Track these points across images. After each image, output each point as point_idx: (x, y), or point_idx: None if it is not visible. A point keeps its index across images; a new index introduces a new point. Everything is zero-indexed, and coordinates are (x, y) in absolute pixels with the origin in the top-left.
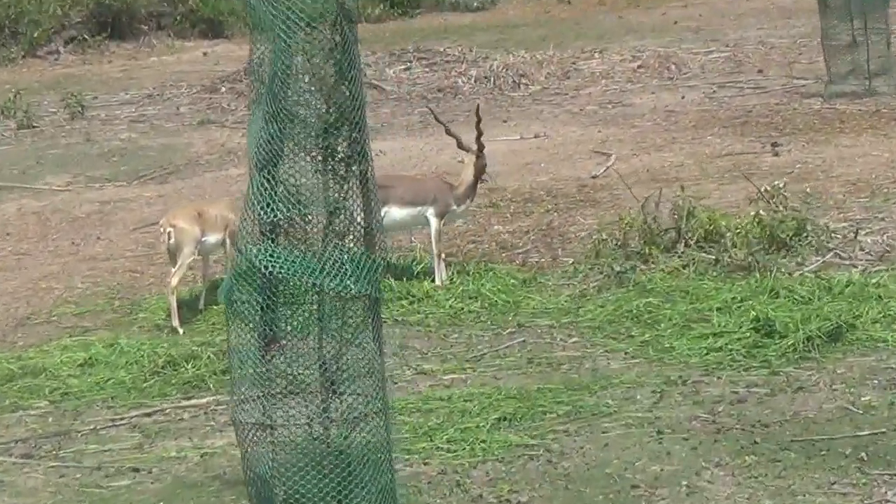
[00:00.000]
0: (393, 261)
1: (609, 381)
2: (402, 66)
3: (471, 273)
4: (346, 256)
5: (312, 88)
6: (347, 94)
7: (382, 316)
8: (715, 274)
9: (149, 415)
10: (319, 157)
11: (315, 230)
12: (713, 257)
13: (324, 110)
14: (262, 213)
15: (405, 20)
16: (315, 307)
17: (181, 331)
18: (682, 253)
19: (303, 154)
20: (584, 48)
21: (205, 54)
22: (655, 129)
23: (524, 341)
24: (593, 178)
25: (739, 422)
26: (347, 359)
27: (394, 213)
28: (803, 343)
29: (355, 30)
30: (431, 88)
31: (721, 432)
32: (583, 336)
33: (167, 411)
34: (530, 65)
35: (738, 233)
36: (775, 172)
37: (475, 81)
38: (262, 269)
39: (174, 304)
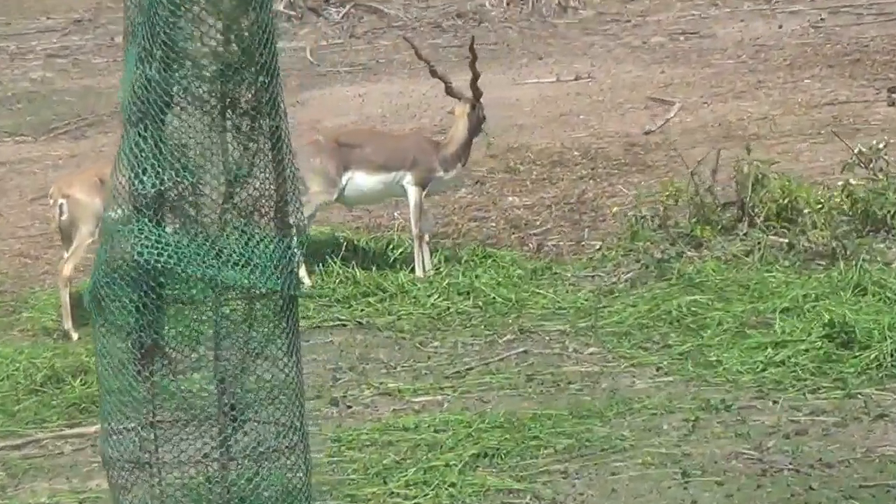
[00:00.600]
0: (362, 243)
1: (629, 406)
2: None
3: (464, 261)
4: (252, 241)
5: (205, 15)
6: (253, 23)
7: (314, 317)
8: (787, 263)
9: (18, 447)
10: (216, 109)
11: (210, 205)
12: (786, 241)
13: (221, 46)
14: (137, 182)
15: None
16: (210, 308)
17: (75, 336)
18: (746, 235)
19: (193, 105)
20: None
21: None
22: (738, 69)
23: (525, 352)
24: (646, 134)
25: (794, 460)
26: (254, 377)
27: (360, 180)
28: (891, 357)
29: None
30: (449, 13)
31: (767, 475)
32: (603, 346)
33: (43, 443)
34: None
35: (821, 209)
36: (889, 129)
37: (507, 3)
38: (137, 258)
39: (66, 301)
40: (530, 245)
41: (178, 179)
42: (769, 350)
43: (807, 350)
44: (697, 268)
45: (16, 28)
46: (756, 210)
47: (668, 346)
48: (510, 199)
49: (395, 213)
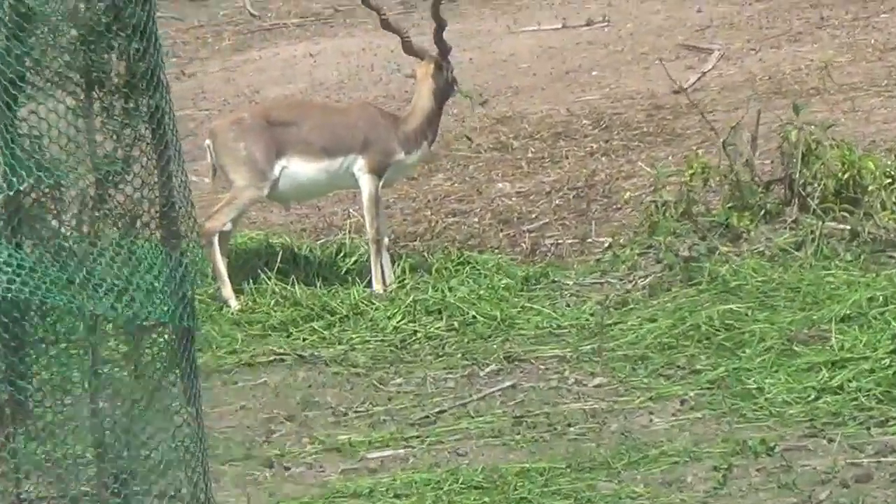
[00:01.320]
0: (304, 250)
1: (644, 454)
2: None
3: (435, 269)
4: (132, 258)
5: None
6: None
7: (243, 351)
8: (849, 258)
9: None
10: (78, 87)
11: (76, 213)
12: (848, 228)
13: (83, 5)
14: None
15: None
16: (84, 349)
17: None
18: (795, 222)
19: (48, 82)
20: None
21: None
22: (796, 3)
23: (513, 387)
24: (676, 93)
25: None
26: (142, 435)
27: (297, 169)
28: None
29: None
30: None
31: None
32: (613, 375)
33: None
34: None
35: (893, 185)
36: None
37: None
38: None
39: None
40: (523, 245)
41: (32, 181)
42: (824, 372)
43: (872, 371)
44: (734, 267)
45: None
46: (809, 189)
47: (695, 371)
48: (499, 185)
49: (350, 210)
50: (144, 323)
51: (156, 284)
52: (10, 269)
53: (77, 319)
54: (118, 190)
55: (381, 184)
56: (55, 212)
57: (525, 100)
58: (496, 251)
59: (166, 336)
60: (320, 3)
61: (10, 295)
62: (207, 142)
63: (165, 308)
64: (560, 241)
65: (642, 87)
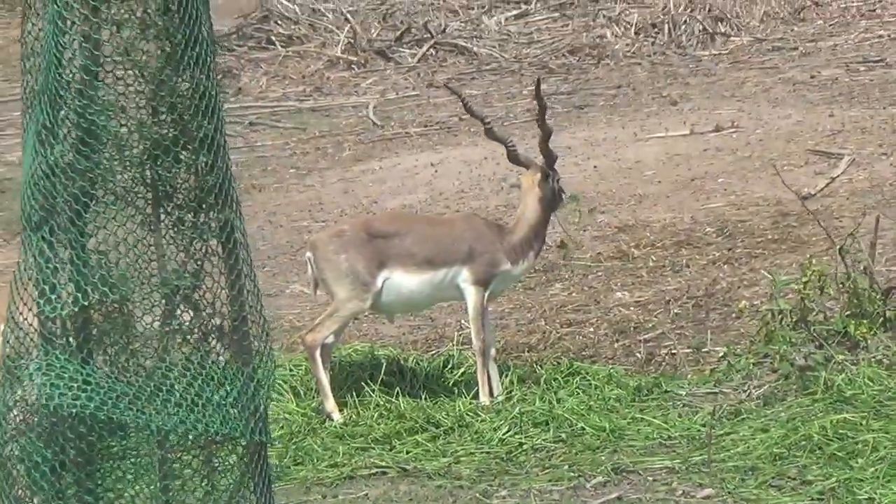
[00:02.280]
0: (411, 362)
1: None
2: (514, 12)
3: (543, 380)
4: (203, 373)
5: (128, 82)
6: (191, 89)
7: (344, 465)
8: None
9: None
10: (146, 202)
11: (145, 329)
12: None
13: (148, 118)
14: (44, 303)
15: None
16: (155, 464)
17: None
18: None
19: (115, 197)
20: None
21: None
22: None
23: (619, 498)
24: (804, 199)
25: None
26: None
27: (400, 281)
28: None
29: None
30: (559, 49)
31: None
32: (722, 486)
33: None
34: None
35: None
36: None
37: (636, 34)
38: (48, 402)
39: None
40: (638, 355)
41: (100, 297)
42: None
43: None
44: (849, 376)
45: None
46: None
47: (806, 482)
48: (618, 294)
49: (463, 321)
50: (216, 438)
51: (227, 399)
52: (76, 384)
53: (147, 435)
54: (187, 305)
55: (486, 295)
56: (123, 327)
57: (648, 207)
58: (610, 361)
59: (239, 451)
60: (444, 111)
61: (75, 410)
62: (308, 254)
63: (237, 423)
64: (675, 351)
65: (769, 193)
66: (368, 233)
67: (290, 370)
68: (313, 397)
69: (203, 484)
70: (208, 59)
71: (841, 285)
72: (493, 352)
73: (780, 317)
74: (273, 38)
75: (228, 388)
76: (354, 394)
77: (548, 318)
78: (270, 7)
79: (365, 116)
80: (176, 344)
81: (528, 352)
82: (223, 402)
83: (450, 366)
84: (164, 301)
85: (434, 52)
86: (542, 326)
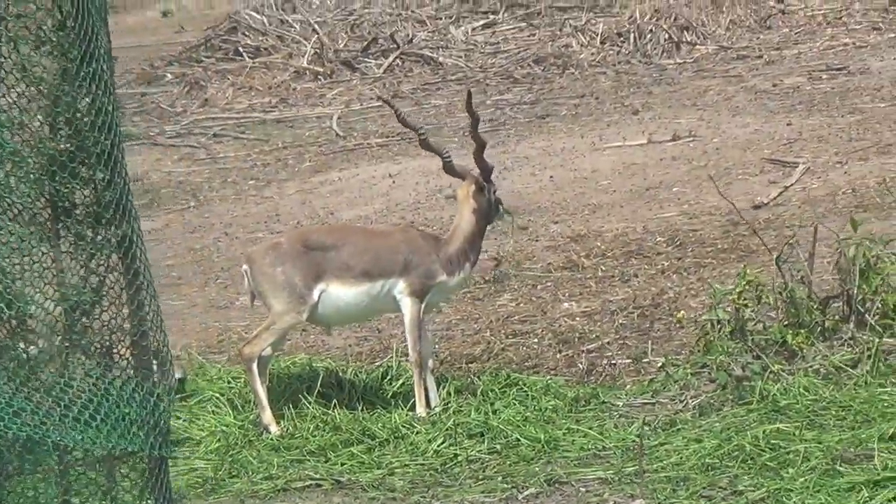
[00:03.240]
0: (349, 374)
1: None
2: (481, 22)
3: (480, 392)
4: (103, 388)
5: (26, 97)
6: (88, 104)
7: (279, 477)
8: None
9: None
10: (44, 216)
11: (45, 344)
12: None
13: (47, 132)
14: None
15: None
16: (56, 481)
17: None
18: (853, 339)
19: (15, 210)
20: None
21: (165, 14)
22: (890, 114)
23: None
24: (756, 208)
25: None
26: None
27: (336, 293)
28: None
29: None
30: (524, 59)
31: None
32: (653, 496)
33: None
34: (700, 7)
35: None
36: None
37: (602, 43)
38: None
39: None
40: (580, 365)
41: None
42: (864, 492)
43: None
44: (785, 386)
45: None
46: (867, 305)
47: (737, 492)
48: (565, 305)
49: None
50: (116, 453)
51: (127, 414)
52: None
53: (47, 451)
54: (88, 319)
55: (423, 306)
56: (21, 342)
57: (602, 218)
58: (552, 372)
59: (140, 466)
60: (423, 117)
61: None
62: (245, 267)
63: (137, 438)
64: (615, 361)
65: (721, 203)
66: (305, 245)
67: (229, 382)
68: (251, 409)
69: (104, 499)
70: (105, 74)
71: (779, 295)
72: (430, 363)
73: (718, 327)
74: (241, 49)
75: (128, 404)
76: (292, 406)
77: (493, 329)
78: (239, 19)
79: (328, 128)
80: (76, 359)
81: (471, 363)
82: (123, 418)
83: (389, 377)
84: (63, 315)
85: (401, 63)
86: (487, 337)
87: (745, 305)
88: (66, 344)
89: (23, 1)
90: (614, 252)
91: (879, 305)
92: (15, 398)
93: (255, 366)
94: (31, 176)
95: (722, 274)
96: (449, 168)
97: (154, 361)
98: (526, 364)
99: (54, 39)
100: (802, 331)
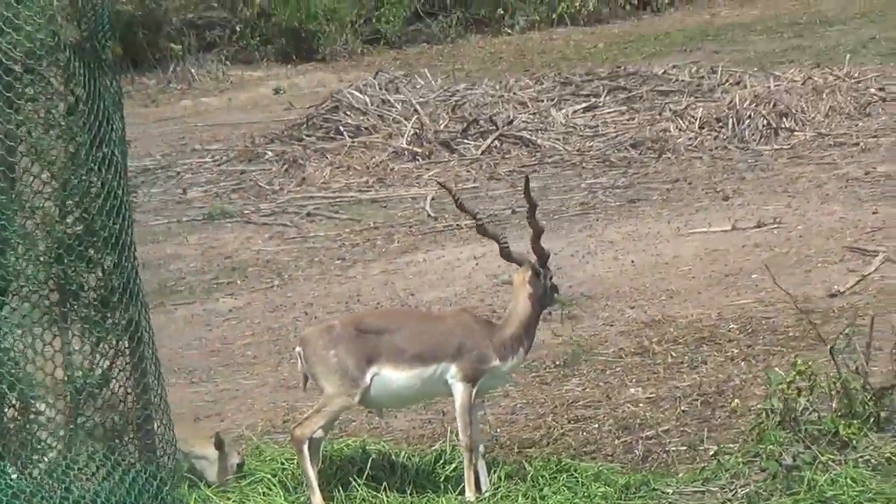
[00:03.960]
0: (402, 458)
1: None
2: (583, 105)
3: (530, 477)
4: (110, 473)
5: (36, 179)
6: (98, 188)
7: None
8: None
9: None
10: (52, 300)
11: (52, 429)
12: None
13: (57, 217)
14: None
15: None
16: None
17: None
18: None
19: (23, 292)
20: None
21: (277, 91)
22: None
23: None
24: (832, 296)
25: None
26: None
27: (388, 377)
28: None
29: (111, 79)
30: (622, 143)
31: None
32: None
33: None
34: (800, 94)
35: None
36: None
37: (700, 128)
38: None
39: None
40: (636, 452)
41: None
42: None
43: None
44: (833, 477)
45: None
46: None
47: None
48: (631, 390)
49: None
50: None
51: (129, 497)
52: None
53: None
54: (93, 402)
55: (475, 391)
56: (27, 428)
57: (677, 304)
58: (609, 458)
59: None
60: (501, 203)
61: None
62: (298, 349)
63: None
64: (670, 448)
65: (799, 290)
66: (358, 328)
67: (282, 464)
68: (303, 491)
69: None
70: (117, 159)
71: (832, 384)
72: (481, 448)
73: (772, 416)
74: (341, 128)
75: (131, 487)
76: (341, 489)
77: (557, 414)
78: (341, 98)
79: (421, 208)
80: (79, 441)
81: (530, 447)
82: (125, 501)
83: (442, 461)
84: (69, 398)
85: (499, 144)
86: (549, 422)
87: (799, 394)
88: (71, 426)
89: (35, 77)
90: (686, 338)
91: None
92: (23, 485)
93: (306, 447)
94: (41, 259)
95: (789, 362)
96: (506, 254)
97: (158, 444)
98: (584, 450)
99: (63, 124)
100: (855, 421)
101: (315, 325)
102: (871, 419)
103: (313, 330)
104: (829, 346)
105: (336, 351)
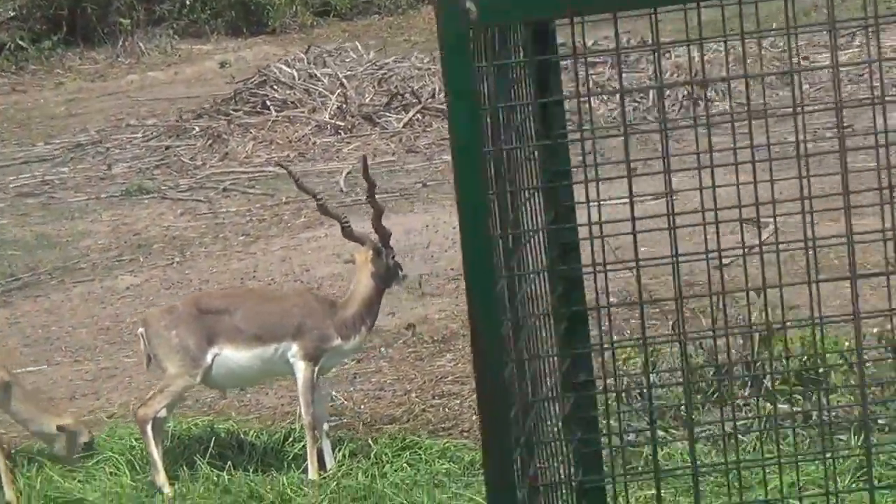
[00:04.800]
0: (251, 436)
1: None
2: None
3: (373, 454)
4: None
5: None
6: None
7: None
8: (795, 441)
9: None
10: None
11: None
12: (798, 410)
13: None
14: None
15: None
16: None
17: None
18: (748, 405)
19: None
20: None
21: (223, 65)
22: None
23: None
24: (716, 268)
25: None
26: None
27: (229, 356)
28: None
29: None
30: None
31: None
32: None
33: None
34: (722, 64)
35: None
36: None
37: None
38: None
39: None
40: None
41: None
42: None
43: None
44: (669, 451)
45: (4, 156)
46: (766, 371)
47: None
48: None
49: (333, 393)
50: None
51: None
52: None
53: None
54: None
55: (316, 370)
56: None
57: None
58: (465, 434)
59: None
60: (415, 177)
61: None
62: (140, 330)
63: None
64: None
65: (685, 262)
66: (199, 309)
67: (132, 443)
68: (149, 471)
69: None
70: None
71: (680, 360)
72: (326, 426)
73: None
74: (268, 102)
75: None
76: (186, 468)
77: (423, 390)
78: (268, 73)
79: (335, 183)
80: None
81: (390, 424)
82: None
83: (291, 439)
84: None
85: (420, 118)
86: (413, 398)
87: (647, 368)
88: None
89: None
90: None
91: (782, 373)
92: None
93: (149, 427)
94: None
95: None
96: (348, 233)
97: None
98: (442, 426)
99: None
100: (699, 396)
101: (158, 307)
102: (715, 395)
103: (155, 310)
104: (670, 322)
105: (178, 331)
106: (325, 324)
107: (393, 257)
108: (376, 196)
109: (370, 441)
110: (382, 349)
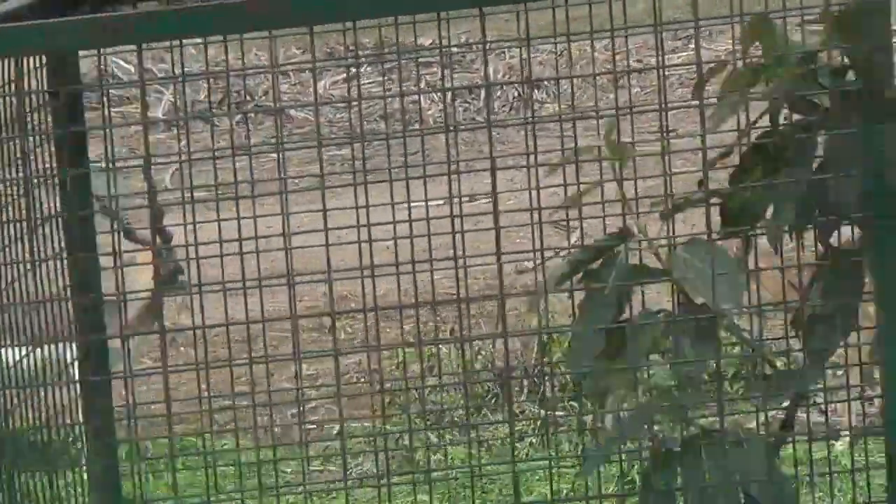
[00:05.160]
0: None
1: None
2: (342, 76)
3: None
4: None
5: None
6: None
7: None
8: (567, 450)
9: None
10: None
11: None
12: (572, 418)
13: None
14: None
15: None
16: None
17: None
18: (523, 412)
19: None
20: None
21: None
22: None
23: None
24: (521, 272)
25: None
26: None
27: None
28: None
29: None
30: (372, 114)
31: None
32: None
33: None
34: (553, 66)
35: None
36: None
37: (453, 99)
38: None
39: None
40: (276, 430)
41: None
42: None
43: None
44: (441, 457)
45: None
46: (545, 378)
47: None
48: (294, 368)
49: None
50: None
51: None
52: None
53: None
54: None
55: None
56: None
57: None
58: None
59: None
60: (241, 175)
61: None
62: None
63: None
64: (306, 427)
65: (490, 266)
66: None
67: None
68: None
69: None
70: None
71: (455, 370)
72: None
73: (400, 394)
74: (105, 98)
75: None
76: None
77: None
78: (107, 67)
79: (160, 180)
80: None
81: (178, 425)
82: None
83: None
84: None
85: (253, 117)
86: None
87: (424, 372)
88: None
89: None
90: (371, 315)
91: (559, 381)
92: None
93: None
94: None
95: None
96: (129, 235)
97: None
98: (228, 427)
99: None
100: (478, 400)
101: None
102: (493, 400)
103: None
104: (449, 328)
105: None
106: None
107: (173, 260)
108: None
109: (148, 443)
110: None
